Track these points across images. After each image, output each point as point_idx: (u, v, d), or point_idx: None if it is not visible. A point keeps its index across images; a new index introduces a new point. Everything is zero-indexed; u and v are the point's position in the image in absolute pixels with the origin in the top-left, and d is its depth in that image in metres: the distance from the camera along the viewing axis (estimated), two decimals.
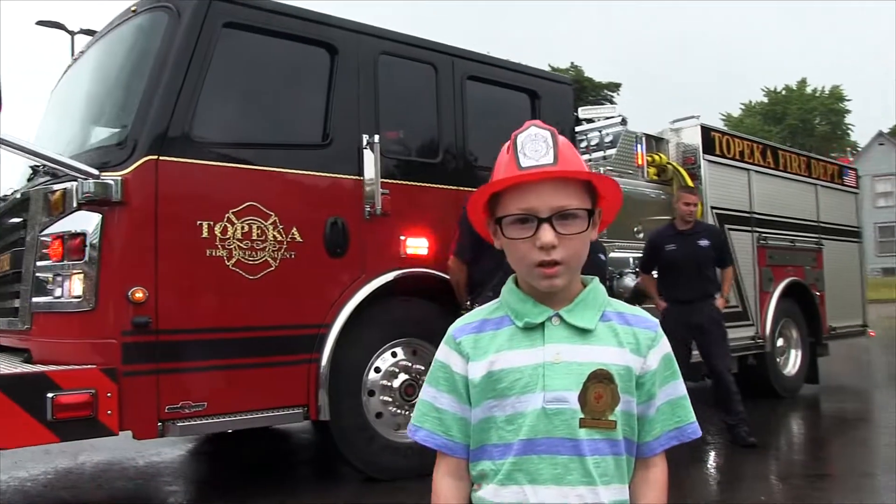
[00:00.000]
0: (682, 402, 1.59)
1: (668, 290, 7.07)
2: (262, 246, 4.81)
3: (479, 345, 1.56)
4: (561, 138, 1.52)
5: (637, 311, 1.63)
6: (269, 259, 4.84)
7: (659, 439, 1.57)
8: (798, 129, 55.23)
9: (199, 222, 4.60)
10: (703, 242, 6.99)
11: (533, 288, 1.55)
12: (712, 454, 6.65)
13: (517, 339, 1.54)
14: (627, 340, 1.54)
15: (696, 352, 7.10)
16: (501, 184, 1.52)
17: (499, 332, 1.56)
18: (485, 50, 6.64)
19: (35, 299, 4.57)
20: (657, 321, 1.61)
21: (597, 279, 1.62)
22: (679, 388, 1.59)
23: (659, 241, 7.13)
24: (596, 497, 1.46)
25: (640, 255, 7.43)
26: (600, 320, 1.55)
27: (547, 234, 1.46)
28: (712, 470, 6.24)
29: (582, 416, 1.47)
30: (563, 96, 6.90)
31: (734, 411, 6.78)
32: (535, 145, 1.49)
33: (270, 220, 4.86)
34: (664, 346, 1.59)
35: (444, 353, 1.62)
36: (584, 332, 1.52)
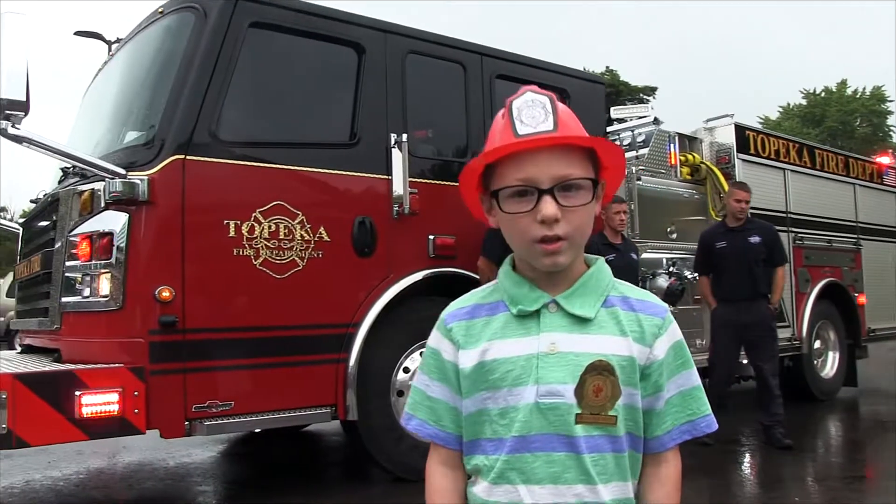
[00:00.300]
0: (694, 392, 1.47)
1: (719, 289, 6.96)
2: (289, 245, 4.81)
3: (472, 332, 1.46)
4: (560, 104, 1.39)
5: (645, 295, 1.49)
6: (296, 258, 4.83)
7: (670, 433, 1.44)
8: (838, 131, 54.43)
9: (225, 221, 4.61)
10: (754, 239, 6.85)
11: (531, 269, 1.43)
12: (747, 455, 6.55)
13: (511, 326, 1.43)
14: (631, 328, 1.41)
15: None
16: (497, 153, 1.39)
17: (493, 318, 1.46)
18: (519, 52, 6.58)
19: (64, 299, 4.60)
20: (666, 307, 1.48)
21: (601, 259, 1.49)
22: (691, 378, 1.47)
23: (710, 240, 7.04)
24: (596, 496, 1.36)
25: (685, 256, 7.40)
26: (603, 306, 1.42)
27: (549, 207, 1.34)
28: (748, 471, 6.15)
29: (579, 411, 1.35)
30: (594, 95, 6.84)
31: (772, 413, 6.67)
32: (532, 111, 1.36)
33: (298, 220, 4.85)
34: (673, 332, 1.46)
35: (435, 339, 1.53)
36: (583, 320, 1.40)
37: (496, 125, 1.42)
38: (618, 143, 8.21)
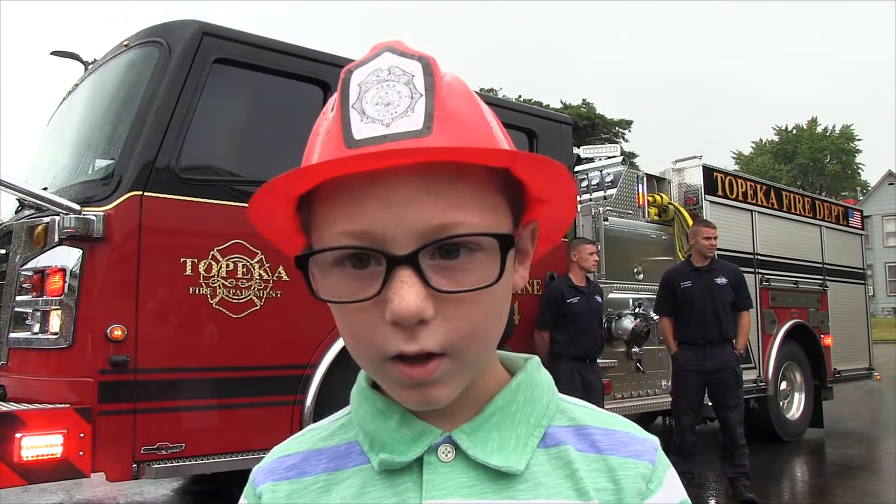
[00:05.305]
0: None
1: (682, 331, 6.72)
2: (247, 284, 4.73)
3: (299, 502, 0.82)
4: (445, 76, 0.75)
5: (614, 420, 0.85)
6: (254, 298, 4.75)
7: None
8: (808, 167, 55.31)
9: (182, 259, 4.52)
10: (721, 280, 6.67)
11: None
12: (713, 502, 6.50)
13: (373, 492, 0.78)
14: (596, 484, 0.78)
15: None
16: (306, 177, 0.71)
17: (338, 475, 0.82)
18: (495, 87, 6.58)
19: (12, 335, 4.48)
20: (654, 439, 0.84)
21: (534, 359, 0.86)
22: None
23: (674, 279, 6.84)
24: None
25: (653, 297, 7.30)
26: (540, 445, 0.79)
27: (407, 295, 0.68)
28: None
29: None
30: (561, 135, 6.83)
31: (737, 465, 6.51)
32: (386, 91, 0.71)
33: (257, 259, 4.78)
34: (671, 486, 0.82)
35: None
36: (502, 475, 0.77)
37: (321, 121, 0.78)
38: (585, 181, 8.19)
